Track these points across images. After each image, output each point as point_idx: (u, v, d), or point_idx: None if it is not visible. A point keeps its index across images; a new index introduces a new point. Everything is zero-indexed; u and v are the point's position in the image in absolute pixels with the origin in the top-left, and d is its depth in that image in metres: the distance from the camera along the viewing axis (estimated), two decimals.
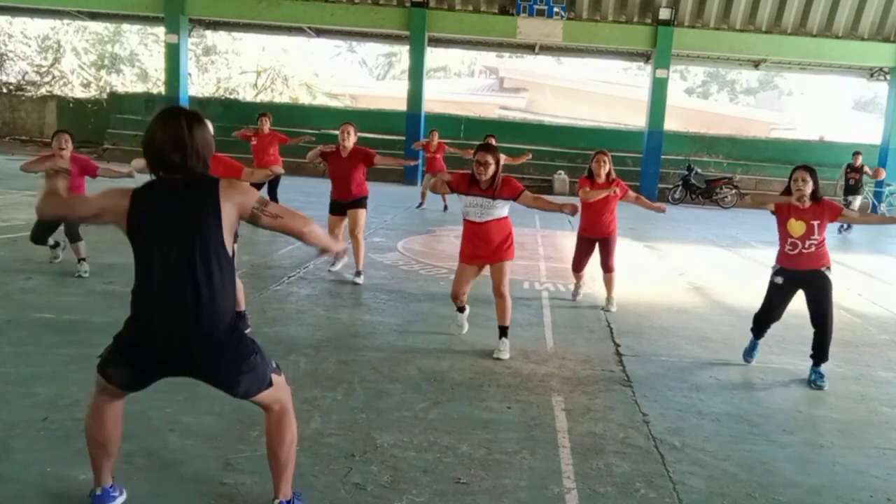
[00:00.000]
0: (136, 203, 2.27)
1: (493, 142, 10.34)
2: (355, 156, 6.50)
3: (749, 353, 4.97)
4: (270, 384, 2.42)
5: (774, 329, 5.50)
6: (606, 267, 6.25)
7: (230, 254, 2.33)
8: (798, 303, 5.02)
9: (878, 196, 18.55)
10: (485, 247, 4.74)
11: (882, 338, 5.91)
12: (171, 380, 3.89)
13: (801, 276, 4.60)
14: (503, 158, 5.10)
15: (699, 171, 19.30)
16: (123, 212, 2.27)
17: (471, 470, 3.07)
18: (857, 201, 14.03)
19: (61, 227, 6.38)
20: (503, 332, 4.81)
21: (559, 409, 3.82)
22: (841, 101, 40.43)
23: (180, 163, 2.27)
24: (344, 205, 6.62)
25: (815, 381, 4.56)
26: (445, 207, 13.07)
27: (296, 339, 4.83)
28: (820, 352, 4.60)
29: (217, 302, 2.28)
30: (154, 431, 3.20)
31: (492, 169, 4.57)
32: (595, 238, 6.21)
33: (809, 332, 4.97)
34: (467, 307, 5.14)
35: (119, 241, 7.91)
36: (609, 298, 6.30)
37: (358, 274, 6.66)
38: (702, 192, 18.65)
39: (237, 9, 18.79)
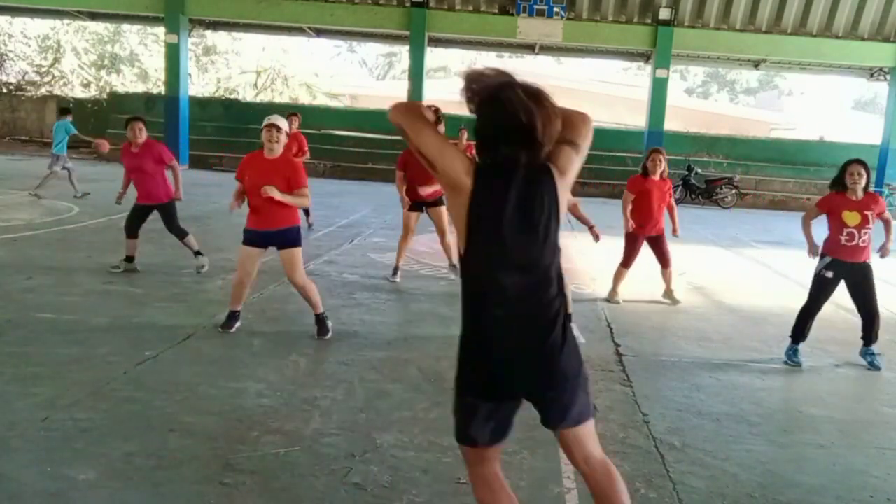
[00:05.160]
0: (479, 181, 1.89)
1: None
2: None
3: (794, 356, 4.92)
4: (595, 411, 1.99)
5: (776, 329, 5.51)
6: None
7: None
8: (797, 302, 5.03)
9: None
10: None
11: (882, 338, 5.89)
12: (171, 379, 3.92)
13: (851, 268, 4.75)
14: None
15: (699, 171, 19.30)
16: (467, 187, 1.89)
17: None
18: None
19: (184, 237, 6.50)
20: None
21: None
22: (841, 101, 40.49)
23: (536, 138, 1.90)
24: (422, 204, 6.80)
25: (871, 361, 4.88)
26: None
27: (296, 339, 4.82)
28: (870, 334, 4.90)
29: (554, 306, 1.93)
30: (154, 431, 3.20)
31: None
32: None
33: (813, 331, 4.97)
34: None
35: (118, 241, 7.76)
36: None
37: (454, 267, 7.00)
38: (702, 192, 18.65)
39: (237, 9, 18.80)
